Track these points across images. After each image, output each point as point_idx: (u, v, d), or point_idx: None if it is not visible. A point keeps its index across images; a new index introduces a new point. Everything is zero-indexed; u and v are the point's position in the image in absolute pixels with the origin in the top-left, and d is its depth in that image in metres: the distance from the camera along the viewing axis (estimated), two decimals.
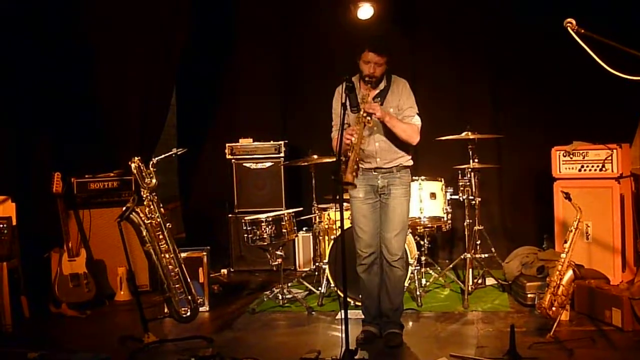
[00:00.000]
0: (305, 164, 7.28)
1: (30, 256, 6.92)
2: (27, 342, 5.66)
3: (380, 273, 5.48)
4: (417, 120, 5.41)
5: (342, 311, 4.61)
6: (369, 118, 5.08)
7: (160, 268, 5.65)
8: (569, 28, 3.89)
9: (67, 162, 7.55)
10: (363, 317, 5.66)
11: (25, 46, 7.29)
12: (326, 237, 7.20)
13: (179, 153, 6.12)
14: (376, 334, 5.51)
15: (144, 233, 5.59)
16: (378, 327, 5.53)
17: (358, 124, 5.04)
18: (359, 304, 5.93)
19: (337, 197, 4.86)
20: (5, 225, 6.38)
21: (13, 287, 6.44)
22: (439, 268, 7.56)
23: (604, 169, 6.82)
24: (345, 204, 5.05)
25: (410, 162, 5.50)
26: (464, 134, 6.98)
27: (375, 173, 5.36)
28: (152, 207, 5.65)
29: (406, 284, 6.42)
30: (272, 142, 8.72)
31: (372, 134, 5.28)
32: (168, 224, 5.72)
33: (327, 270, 6.70)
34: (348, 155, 4.98)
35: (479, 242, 7.15)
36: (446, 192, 7.04)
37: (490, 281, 7.20)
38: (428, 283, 7.14)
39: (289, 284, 7.06)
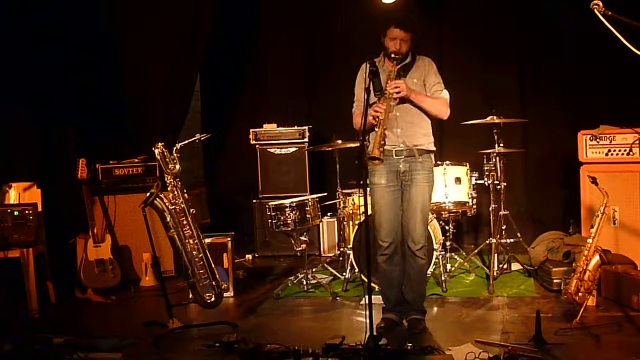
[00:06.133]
0: (330, 149, 7.25)
1: (56, 242, 6.99)
2: (53, 327, 5.70)
3: (401, 263, 5.43)
4: (445, 94, 5.35)
5: (367, 297, 4.59)
6: (395, 95, 5.05)
7: (184, 254, 5.66)
8: (595, 10, 3.82)
9: (92, 148, 7.57)
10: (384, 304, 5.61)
11: (49, 33, 7.32)
12: (350, 222, 7.17)
13: (202, 139, 6.13)
14: (397, 321, 5.46)
15: (168, 219, 5.61)
16: (399, 315, 5.49)
17: (384, 101, 5.01)
18: None
19: (362, 182, 4.84)
20: (31, 212, 6.45)
21: (39, 273, 6.51)
22: (464, 253, 7.55)
23: (631, 153, 6.73)
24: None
25: (433, 147, 5.40)
26: (489, 118, 6.92)
27: (397, 157, 5.26)
28: (175, 192, 5.66)
29: (431, 269, 6.41)
30: (296, 127, 8.71)
31: (394, 107, 5.17)
32: (192, 209, 5.73)
33: (351, 256, 6.70)
34: (375, 130, 4.96)
35: (504, 227, 7.10)
36: (471, 176, 7.00)
37: (515, 266, 7.15)
38: (453, 268, 7.11)
39: (314, 270, 7.08)
